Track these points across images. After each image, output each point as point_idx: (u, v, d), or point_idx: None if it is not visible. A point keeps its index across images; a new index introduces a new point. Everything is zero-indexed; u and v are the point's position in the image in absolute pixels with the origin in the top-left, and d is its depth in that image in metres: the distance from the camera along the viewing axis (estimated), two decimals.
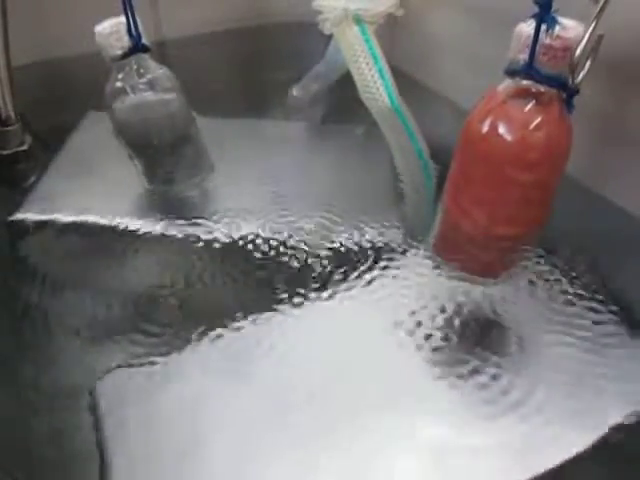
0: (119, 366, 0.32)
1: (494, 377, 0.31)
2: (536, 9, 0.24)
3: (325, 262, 0.40)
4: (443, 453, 0.28)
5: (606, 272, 0.37)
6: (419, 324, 0.34)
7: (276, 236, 0.41)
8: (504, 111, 0.26)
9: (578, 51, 0.24)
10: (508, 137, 0.26)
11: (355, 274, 0.37)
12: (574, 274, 0.36)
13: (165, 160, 0.43)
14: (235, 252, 0.42)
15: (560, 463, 0.27)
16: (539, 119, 0.26)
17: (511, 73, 0.26)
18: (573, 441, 0.28)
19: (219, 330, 0.34)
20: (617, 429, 0.28)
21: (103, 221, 0.43)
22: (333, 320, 0.35)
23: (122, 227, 0.43)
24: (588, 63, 0.25)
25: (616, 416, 0.29)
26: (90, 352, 0.35)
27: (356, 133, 0.53)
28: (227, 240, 0.42)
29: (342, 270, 0.38)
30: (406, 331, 0.34)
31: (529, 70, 0.25)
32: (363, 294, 0.36)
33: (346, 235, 0.41)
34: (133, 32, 0.38)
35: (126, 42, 0.38)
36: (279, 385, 0.31)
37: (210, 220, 0.43)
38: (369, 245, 0.41)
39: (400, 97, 0.40)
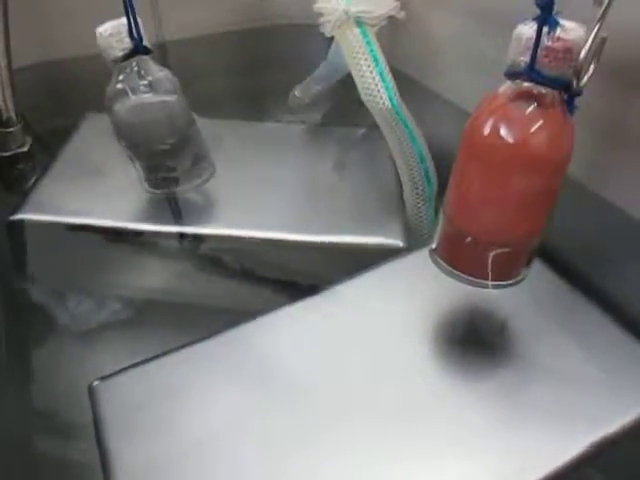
0: (119, 367, 0.32)
1: (495, 379, 0.31)
2: (537, 11, 0.24)
3: (326, 263, 0.40)
4: (442, 456, 0.28)
5: (606, 273, 0.37)
6: (420, 326, 0.34)
7: (277, 237, 0.41)
8: (505, 113, 0.26)
9: (582, 54, 0.24)
10: (510, 139, 0.26)
11: (355, 276, 0.37)
12: (574, 275, 0.36)
13: (166, 162, 0.43)
14: (234, 253, 0.42)
15: (560, 465, 0.27)
16: (541, 121, 0.26)
17: (512, 75, 0.26)
18: (574, 443, 0.28)
19: (220, 331, 0.34)
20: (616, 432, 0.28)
21: (103, 223, 0.43)
22: (334, 321, 0.35)
23: (122, 229, 0.43)
24: (592, 66, 0.25)
25: (615, 418, 0.29)
26: (90, 353, 0.35)
27: (357, 135, 0.53)
28: (228, 241, 0.42)
29: (343, 271, 0.38)
30: (407, 333, 0.34)
31: (531, 72, 0.25)
32: (364, 295, 0.36)
33: (347, 236, 0.41)
34: (134, 34, 0.38)
35: (127, 44, 0.38)
36: (282, 386, 0.31)
37: (211, 221, 0.43)
38: (370, 247, 0.41)
39: (401, 99, 0.40)
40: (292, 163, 0.50)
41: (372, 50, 0.40)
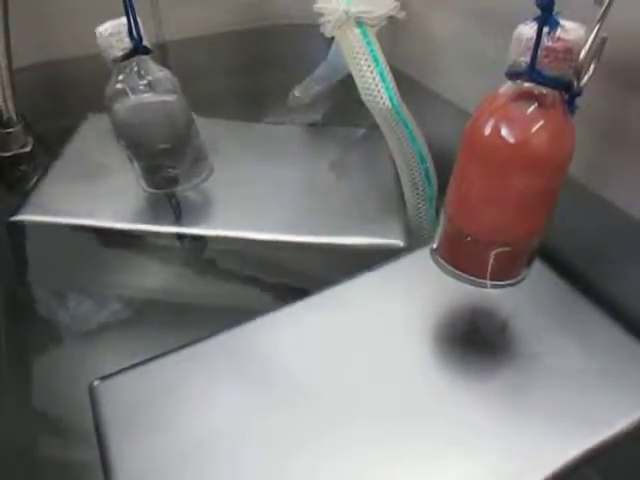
0: (120, 367, 0.32)
1: (495, 379, 0.31)
2: (537, 11, 0.24)
3: (326, 263, 0.40)
4: (442, 456, 0.28)
5: (606, 273, 0.37)
6: (421, 326, 0.34)
7: (278, 237, 0.41)
8: (506, 114, 0.26)
9: (583, 54, 0.24)
10: (511, 140, 0.26)
11: (356, 276, 0.37)
12: (574, 275, 0.36)
13: (165, 161, 0.43)
14: (235, 253, 0.42)
15: (560, 466, 0.27)
16: (542, 121, 0.26)
17: (512, 75, 0.26)
18: (574, 443, 0.28)
19: (220, 331, 0.34)
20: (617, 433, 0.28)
21: (103, 223, 0.43)
22: (334, 321, 0.35)
23: (122, 229, 0.43)
24: (592, 66, 0.25)
25: (615, 419, 0.29)
26: (90, 353, 0.35)
27: (357, 135, 0.53)
28: (226, 241, 0.42)
29: (343, 271, 0.38)
30: (408, 333, 0.34)
31: (531, 72, 0.25)
32: (364, 295, 0.36)
33: (348, 236, 0.41)
34: (134, 34, 0.38)
35: (127, 44, 0.38)
36: (282, 386, 0.31)
37: (210, 221, 0.43)
38: (371, 247, 0.41)
39: (401, 99, 0.40)
40: (292, 163, 0.50)
41: (372, 50, 0.40)
